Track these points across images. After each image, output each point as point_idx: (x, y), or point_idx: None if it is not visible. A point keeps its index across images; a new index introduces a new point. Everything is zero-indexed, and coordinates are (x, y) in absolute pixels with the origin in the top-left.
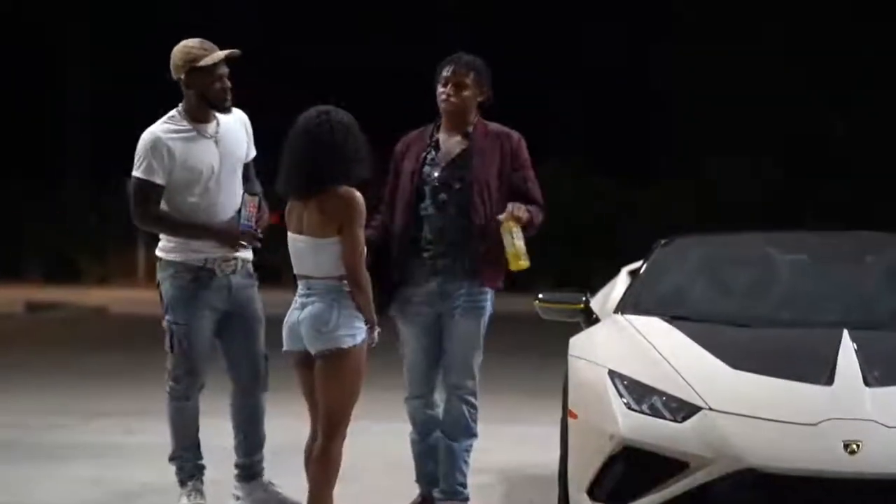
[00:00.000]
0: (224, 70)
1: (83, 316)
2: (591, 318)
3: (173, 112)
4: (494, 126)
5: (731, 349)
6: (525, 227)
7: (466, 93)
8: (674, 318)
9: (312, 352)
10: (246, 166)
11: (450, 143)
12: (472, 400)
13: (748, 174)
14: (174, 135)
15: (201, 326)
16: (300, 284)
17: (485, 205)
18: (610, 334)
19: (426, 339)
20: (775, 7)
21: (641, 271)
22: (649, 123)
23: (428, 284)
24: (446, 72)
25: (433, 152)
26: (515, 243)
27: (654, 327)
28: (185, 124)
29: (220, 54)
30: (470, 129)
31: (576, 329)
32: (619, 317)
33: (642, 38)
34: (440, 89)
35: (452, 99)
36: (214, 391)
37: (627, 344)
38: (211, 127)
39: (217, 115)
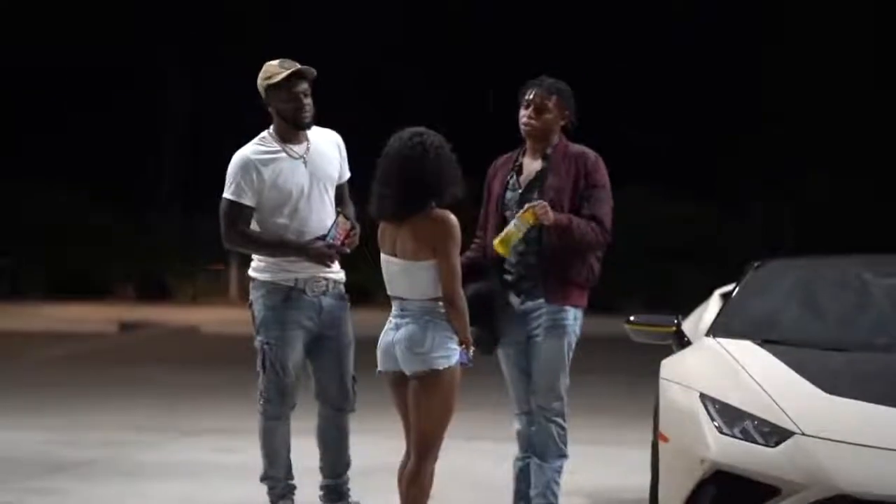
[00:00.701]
0: (300, 87)
1: (175, 335)
2: (682, 341)
3: (264, 133)
4: (575, 147)
5: (824, 373)
6: (561, 235)
7: (548, 116)
8: (766, 342)
9: (408, 373)
10: (340, 187)
11: (531, 165)
12: (561, 421)
13: (844, 195)
14: (263, 156)
15: (292, 346)
16: (394, 305)
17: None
18: (702, 357)
19: (519, 359)
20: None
21: (734, 294)
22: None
23: (514, 306)
24: (528, 95)
25: (515, 176)
26: (510, 230)
27: (746, 351)
28: (275, 145)
29: (288, 70)
30: (549, 150)
31: (667, 352)
32: (710, 340)
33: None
34: (521, 112)
35: (533, 122)
36: (302, 411)
37: (719, 367)
38: (300, 147)
39: (308, 135)
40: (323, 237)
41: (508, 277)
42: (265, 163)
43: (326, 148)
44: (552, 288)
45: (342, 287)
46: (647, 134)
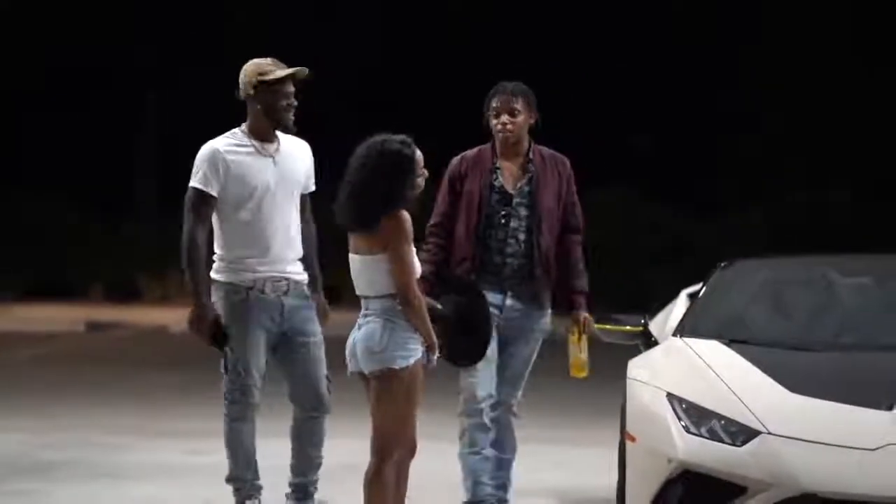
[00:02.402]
0: (291, 88)
1: (143, 335)
2: (649, 341)
3: (236, 129)
4: (546, 151)
5: (790, 373)
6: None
7: (520, 118)
8: (733, 342)
9: (366, 372)
10: (303, 199)
11: (512, 169)
12: (517, 416)
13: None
14: (232, 148)
15: (254, 348)
16: (362, 304)
17: (551, 232)
18: (669, 357)
19: (491, 353)
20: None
21: (701, 294)
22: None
23: (496, 306)
24: (496, 102)
25: (499, 178)
26: (580, 356)
27: (713, 350)
28: (246, 141)
29: (289, 70)
30: (530, 154)
31: (634, 351)
32: (677, 340)
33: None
34: (493, 121)
35: (510, 127)
36: (276, 412)
37: (686, 367)
38: (271, 146)
39: (280, 137)
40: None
41: (492, 277)
42: (233, 154)
43: (297, 153)
44: (541, 293)
45: (305, 287)
46: (627, 134)
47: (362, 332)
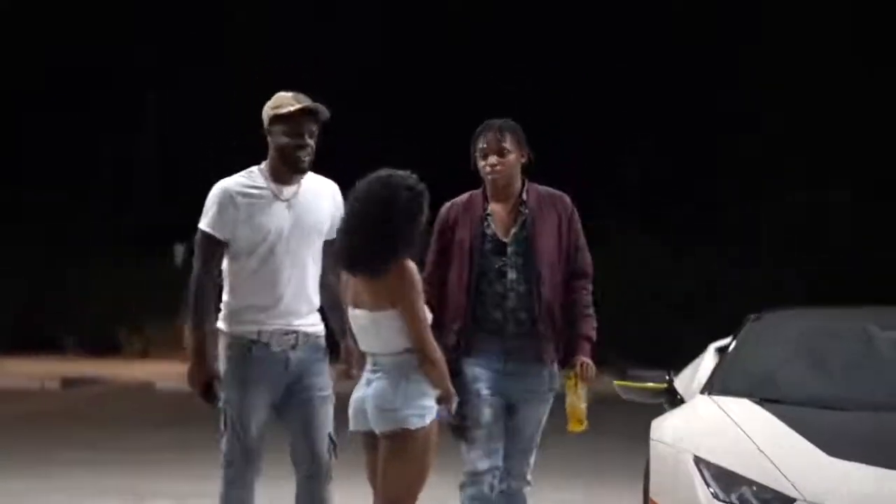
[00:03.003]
0: (307, 127)
1: (127, 392)
2: (675, 399)
3: (253, 168)
4: (543, 190)
5: (827, 435)
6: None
7: (510, 157)
8: (765, 401)
9: (377, 432)
10: (328, 244)
11: (504, 214)
12: (530, 484)
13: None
14: (245, 189)
15: (255, 406)
16: (367, 360)
17: (551, 277)
18: (696, 417)
19: (499, 415)
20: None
21: (730, 349)
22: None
23: (496, 366)
24: (482, 142)
25: (491, 226)
26: (579, 406)
27: (743, 410)
28: (261, 182)
29: (305, 105)
30: (524, 196)
31: (658, 411)
32: (705, 398)
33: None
34: (481, 163)
35: (499, 168)
36: (279, 477)
37: (715, 428)
38: (289, 190)
39: (302, 181)
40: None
41: (494, 337)
42: (245, 196)
43: (319, 196)
44: (546, 348)
45: (319, 340)
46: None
47: (373, 389)
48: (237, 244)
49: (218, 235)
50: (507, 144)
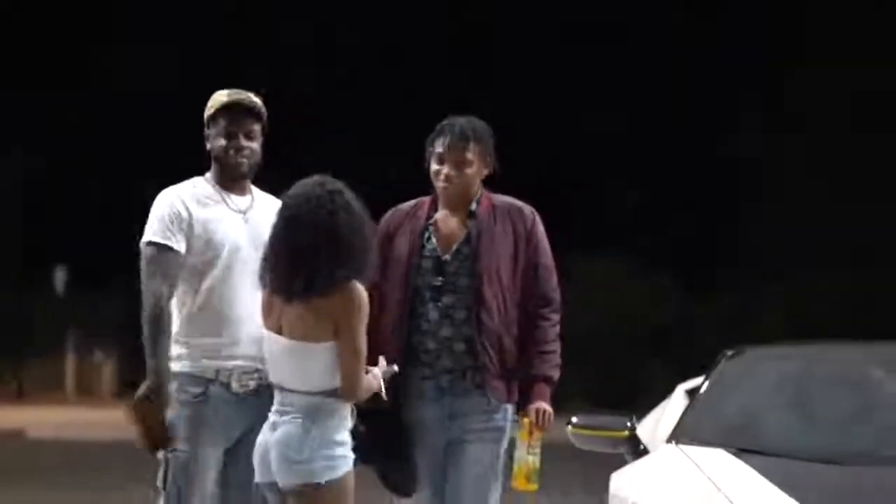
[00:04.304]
0: (241, 124)
1: None
2: (637, 449)
3: (196, 178)
4: (502, 200)
5: (815, 492)
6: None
7: (469, 170)
8: (743, 451)
9: (281, 485)
10: None
11: (450, 225)
12: None
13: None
14: (195, 195)
15: (204, 459)
16: (275, 397)
17: (498, 303)
18: (662, 470)
19: (434, 474)
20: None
21: (702, 390)
22: (723, 216)
23: (432, 406)
24: (440, 146)
25: (431, 239)
26: (529, 459)
27: (718, 462)
28: (209, 189)
29: (235, 97)
30: (473, 206)
31: (619, 462)
32: (673, 448)
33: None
34: (435, 166)
35: (454, 180)
36: None
37: (684, 483)
38: (242, 201)
39: (254, 192)
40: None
41: (426, 370)
42: (196, 204)
43: (274, 213)
44: (489, 383)
45: None
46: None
47: (279, 434)
48: (189, 261)
49: (170, 244)
50: (469, 155)
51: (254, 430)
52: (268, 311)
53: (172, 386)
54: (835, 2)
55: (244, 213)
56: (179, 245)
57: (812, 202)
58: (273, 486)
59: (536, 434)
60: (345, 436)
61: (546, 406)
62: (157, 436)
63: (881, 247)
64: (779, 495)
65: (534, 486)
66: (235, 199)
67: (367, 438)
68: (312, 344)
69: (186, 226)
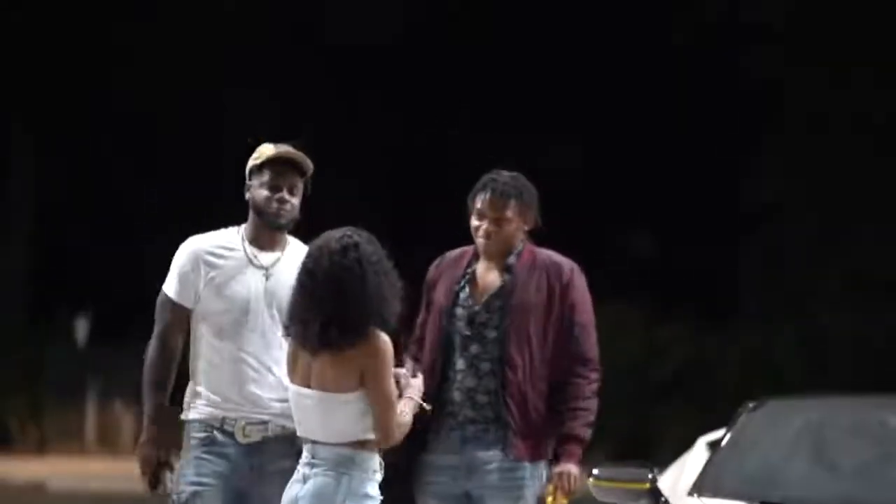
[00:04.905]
0: (287, 178)
1: (17, 496)
2: (659, 502)
3: (231, 227)
4: (545, 255)
5: None
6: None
7: (509, 227)
8: (765, 503)
9: None
10: None
11: (487, 276)
12: None
13: (864, 321)
14: (217, 249)
15: (205, 500)
16: (304, 450)
17: (524, 358)
18: None
19: None
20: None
21: (723, 443)
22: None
23: (453, 456)
24: (480, 203)
25: (467, 288)
26: None
27: None
28: (237, 244)
29: (282, 152)
30: (512, 259)
31: None
32: (695, 500)
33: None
34: (475, 223)
35: (492, 237)
36: None
37: None
38: (267, 257)
39: (287, 248)
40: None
41: (450, 419)
42: (216, 257)
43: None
44: (512, 440)
45: (297, 439)
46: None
47: (310, 487)
48: (201, 314)
49: (178, 300)
50: (509, 212)
51: (264, 482)
52: (293, 364)
53: (185, 433)
54: None
55: (268, 269)
56: (188, 301)
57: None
58: None
59: (560, 499)
60: (375, 489)
61: (571, 468)
62: (150, 473)
63: None
64: None
65: None
66: (262, 256)
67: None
68: (339, 395)
69: (199, 281)
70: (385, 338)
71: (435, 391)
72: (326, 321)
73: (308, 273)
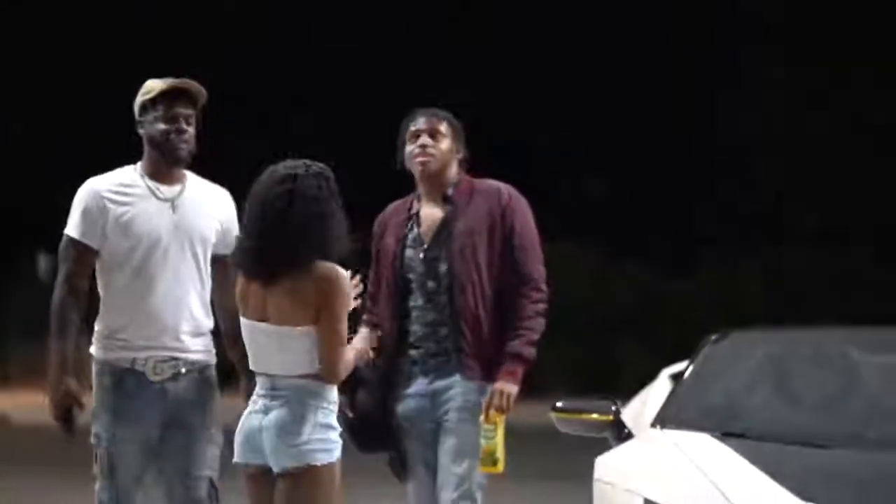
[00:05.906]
0: (182, 109)
1: None
2: (621, 433)
3: (127, 166)
4: (483, 182)
5: (800, 476)
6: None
7: (443, 145)
8: (727, 435)
9: (276, 469)
10: (223, 264)
11: (432, 213)
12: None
13: (828, 261)
14: (118, 188)
15: (126, 444)
16: (260, 382)
17: (473, 283)
18: (646, 454)
19: (426, 452)
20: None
21: (686, 375)
22: (697, 191)
23: (420, 389)
24: (415, 124)
25: (415, 229)
26: (492, 442)
27: (702, 446)
28: (137, 180)
29: (176, 83)
30: (450, 190)
31: (603, 447)
32: (657, 432)
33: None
34: (410, 146)
35: (429, 150)
36: None
37: (668, 466)
38: (170, 190)
39: (190, 180)
40: None
41: (414, 353)
42: (118, 194)
43: (208, 200)
44: (467, 362)
45: (209, 371)
46: (586, 179)
47: (273, 418)
48: (108, 253)
49: (85, 241)
50: (442, 129)
51: (180, 417)
52: (245, 299)
53: (94, 372)
54: None
55: (172, 201)
56: (94, 242)
57: (790, 179)
58: (259, 468)
59: (493, 416)
60: (334, 420)
61: (508, 387)
62: (62, 421)
63: (858, 225)
64: (763, 479)
65: (499, 468)
66: (164, 189)
67: (360, 427)
68: (294, 328)
69: (104, 219)
70: (338, 269)
71: (397, 333)
72: (258, 249)
73: (250, 199)
